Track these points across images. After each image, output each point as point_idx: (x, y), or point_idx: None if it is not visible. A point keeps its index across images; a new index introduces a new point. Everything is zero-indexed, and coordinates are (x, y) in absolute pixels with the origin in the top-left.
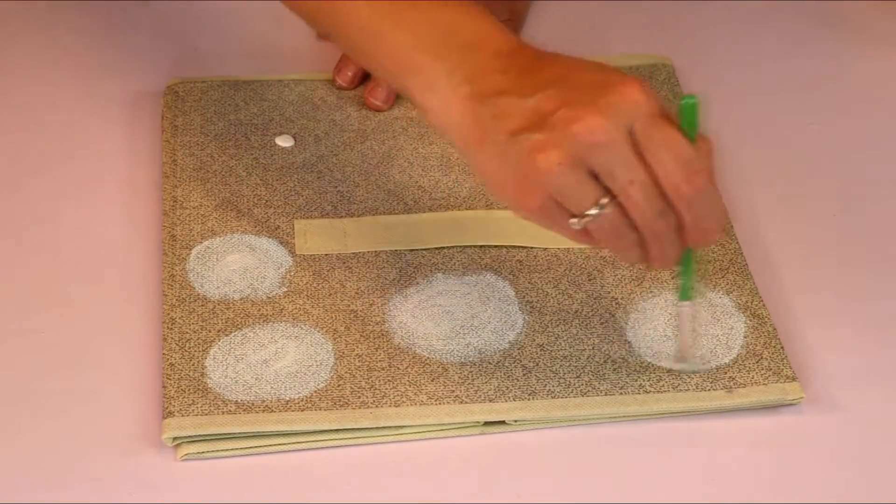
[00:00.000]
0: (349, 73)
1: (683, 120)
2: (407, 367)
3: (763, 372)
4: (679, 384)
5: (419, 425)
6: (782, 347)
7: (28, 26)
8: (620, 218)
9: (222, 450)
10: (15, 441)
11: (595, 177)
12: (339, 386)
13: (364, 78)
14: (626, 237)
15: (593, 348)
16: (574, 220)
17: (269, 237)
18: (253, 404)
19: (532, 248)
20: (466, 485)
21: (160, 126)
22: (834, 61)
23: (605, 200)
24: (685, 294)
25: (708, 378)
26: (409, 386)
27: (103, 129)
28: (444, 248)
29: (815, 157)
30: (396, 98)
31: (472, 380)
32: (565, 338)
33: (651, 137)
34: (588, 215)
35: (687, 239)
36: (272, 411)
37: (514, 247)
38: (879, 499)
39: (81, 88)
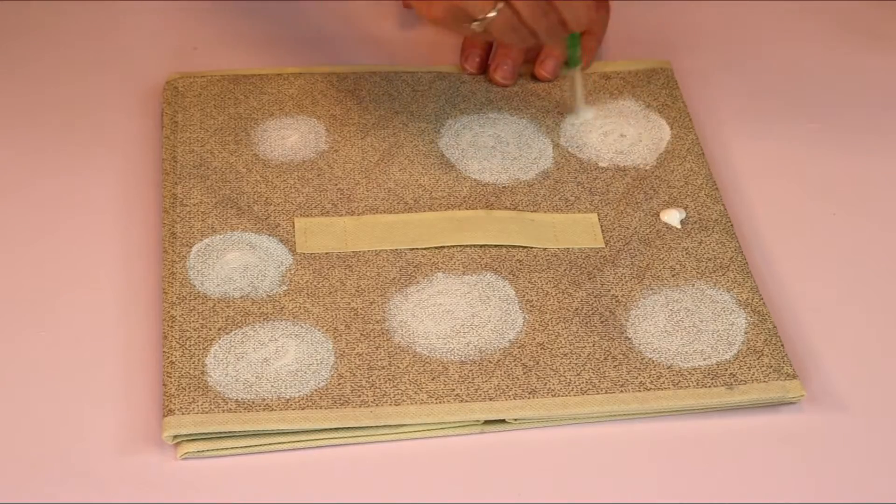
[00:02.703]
0: (477, 59)
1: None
2: (407, 366)
3: (764, 369)
4: (679, 381)
5: (419, 424)
6: (783, 345)
7: (28, 25)
8: (514, 18)
9: (222, 448)
10: (14, 440)
11: None
12: (339, 384)
13: (486, 62)
14: (520, 32)
15: (593, 346)
16: (476, 24)
17: (269, 235)
18: (253, 402)
19: (532, 247)
20: (467, 484)
21: (160, 123)
22: (834, 61)
23: (500, 5)
24: (574, 62)
25: (709, 375)
26: (410, 384)
27: (103, 127)
28: (444, 247)
29: (815, 157)
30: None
31: (473, 378)
32: (565, 336)
33: None
34: (488, 18)
35: (567, 28)
36: (273, 410)
37: (514, 247)
38: (879, 499)
39: (81, 86)
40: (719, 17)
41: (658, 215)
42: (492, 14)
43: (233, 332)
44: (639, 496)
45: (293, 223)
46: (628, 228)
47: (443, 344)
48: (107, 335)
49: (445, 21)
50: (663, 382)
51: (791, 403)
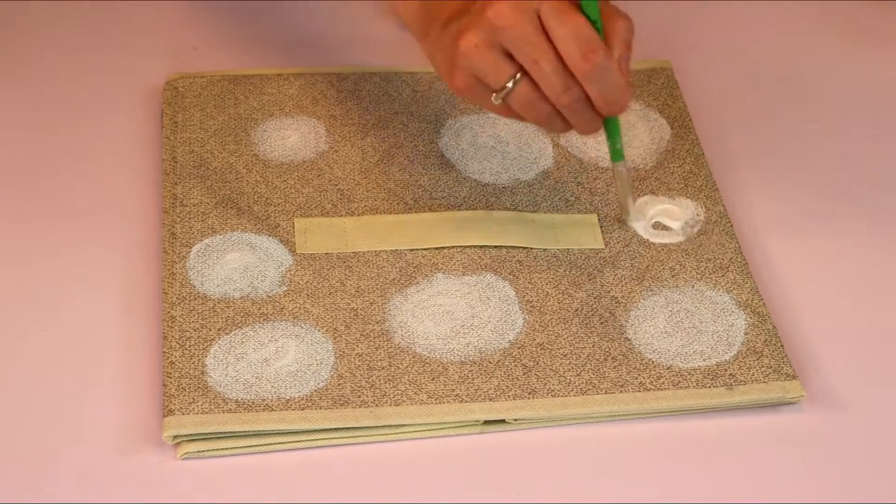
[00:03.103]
0: None
1: (588, 11)
2: (407, 367)
3: (763, 370)
4: (679, 381)
5: (419, 424)
6: (782, 345)
7: (28, 25)
8: (533, 92)
9: (222, 448)
10: (14, 440)
11: (510, 57)
12: (339, 385)
13: None
14: (541, 109)
15: (593, 346)
16: (494, 96)
17: (269, 235)
18: (253, 403)
19: (532, 248)
20: (467, 484)
21: (160, 123)
22: (834, 61)
23: (518, 76)
24: (616, 155)
25: (708, 375)
26: (410, 385)
27: (103, 127)
28: (444, 247)
29: (816, 157)
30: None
31: (473, 379)
32: (565, 336)
33: (554, 19)
34: (505, 88)
35: (596, 108)
36: (272, 410)
37: (514, 247)
38: (880, 499)
39: (81, 86)
40: (719, 17)
41: None
42: (509, 85)
43: (233, 333)
44: (639, 496)
45: (293, 223)
46: (628, 229)
47: (443, 344)
48: (107, 335)
49: (467, 92)
50: (663, 383)
51: (791, 404)
